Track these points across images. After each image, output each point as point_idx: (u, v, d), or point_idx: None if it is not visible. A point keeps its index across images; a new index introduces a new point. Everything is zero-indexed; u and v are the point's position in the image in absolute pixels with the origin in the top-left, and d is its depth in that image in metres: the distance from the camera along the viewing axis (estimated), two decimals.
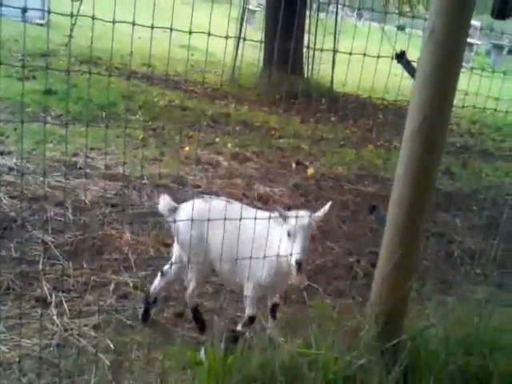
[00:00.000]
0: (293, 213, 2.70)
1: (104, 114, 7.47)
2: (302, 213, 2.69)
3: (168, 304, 3.42)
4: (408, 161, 2.51)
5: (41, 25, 13.60)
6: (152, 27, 2.50)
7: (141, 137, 6.75)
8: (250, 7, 16.99)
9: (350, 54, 3.12)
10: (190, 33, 2.62)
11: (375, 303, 2.60)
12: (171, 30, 2.55)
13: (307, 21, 11.66)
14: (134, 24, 2.44)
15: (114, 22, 2.46)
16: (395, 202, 2.57)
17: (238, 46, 11.11)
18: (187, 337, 3.07)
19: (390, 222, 2.61)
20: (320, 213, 2.73)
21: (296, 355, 2.46)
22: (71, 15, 2.66)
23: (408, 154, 2.50)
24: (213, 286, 3.73)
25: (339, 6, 12.18)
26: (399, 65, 4.26)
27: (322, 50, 4.20)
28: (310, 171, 6.19)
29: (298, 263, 2.59)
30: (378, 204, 3.82)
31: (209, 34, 2.69)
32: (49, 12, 2.88)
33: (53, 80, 8.28)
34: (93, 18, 2.50)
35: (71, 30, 9.16)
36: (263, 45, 11.32)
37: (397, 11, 14.07)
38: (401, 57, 4.27)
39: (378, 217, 3.78)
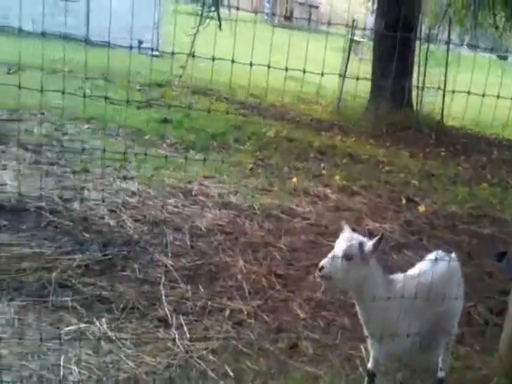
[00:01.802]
0: (345, 234, 2.60)
1: (215, 143, 7.82)
2: (347, 234, 2.59)
3: (281, 335, 3.47)
4: None
5: (156, 56, 14.54)
6: (268, 66, 2.63)
7: (250, 167, 6.96)
8: (356, 38, 17.09)
9: (469, 93, 3.07)
10: (304, 72, 2.71)
11: (505, 355, 2.49)
12: (286, 69, 2.67)
13: (416, 51, 11.51)
14: (251, 65, 2.59)
15: (232, 61, 2.62)
16: None
17: (344, 78, 11.20)
18: (302, 370, 3.09)
19: None
20: (371, 242, 2.56)
21: None
22: (192, 54, 2.84)
23: None
24: (324, 321, 3.74)
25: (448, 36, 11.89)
26: None
27: (441, 88, 4.10)
28: (422, 208, 6.04)
29: (321, 268, 2.48)
30: (509, 250, 3.62)
31: (322, 75, 2.77)
32: (173, 53, 3.11)
33: (168, 109, 8.79)
34: (213, 59, 2.67)
35: (186, 61, 9.71)
36: (370, 76, 11.31)
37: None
38: None
39: (509, 264, 3.60)
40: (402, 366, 2.92)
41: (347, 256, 2.49)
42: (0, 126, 6.82)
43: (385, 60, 10.38)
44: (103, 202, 5.03)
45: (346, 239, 2.54)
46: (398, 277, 2.77)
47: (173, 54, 2.67)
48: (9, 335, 3.06)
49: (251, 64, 2.59)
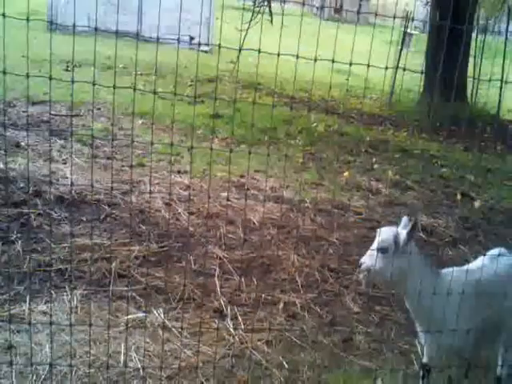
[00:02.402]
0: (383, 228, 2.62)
1: (266, 137, 7.85)
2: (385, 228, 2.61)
3: (334, 328, 3.48)
4: None
5: (205, 52, 14.70)
6: (315, 60, 2.62)
7: (301, 161, 6.96)
8: (407, 30, 16.75)
9: None
10: (351, 64, 2.69)
11: None
12: (333, 61, 2.65)
13: (472, 43, 11.15)
14: (297, 57, 2.59)
15: (278, 54, 2.63)
16: None
17: (396, 71, 11.01)
18: (357, 364, 3.10)
19: None
20: (406, 230, 2.55)
21: None
22: (239, 49, 2.84)
23: None
24: (377, 315, 3.73)
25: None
26: None
27: (489, 80, 3.90)
28: (478, 204, 5.90)
29: (360, 264, 2.57)
30: None
31: (368, 66, 2.75)
32: (240, 50, 3.14)
33: (219, 104, 8.88)
34: (259, 51, 2.69)
35: (237, 58, 9.75)
36: (423, 69, 11.06)
37: None
38: None
39: None
40: (459, 361, 2.88)
41: (382, 249, 2.51)
42: (60, 121, 7.09)
43: (439, 52, 10.13)
44: (169, 194, 5.16)
45: (382, 232, 2.54)
46: (452, 271, 2.71)
47: (240, 50, 2.71)
48: (73, 322, 3.19)
49: (316, 59, 2.60)
